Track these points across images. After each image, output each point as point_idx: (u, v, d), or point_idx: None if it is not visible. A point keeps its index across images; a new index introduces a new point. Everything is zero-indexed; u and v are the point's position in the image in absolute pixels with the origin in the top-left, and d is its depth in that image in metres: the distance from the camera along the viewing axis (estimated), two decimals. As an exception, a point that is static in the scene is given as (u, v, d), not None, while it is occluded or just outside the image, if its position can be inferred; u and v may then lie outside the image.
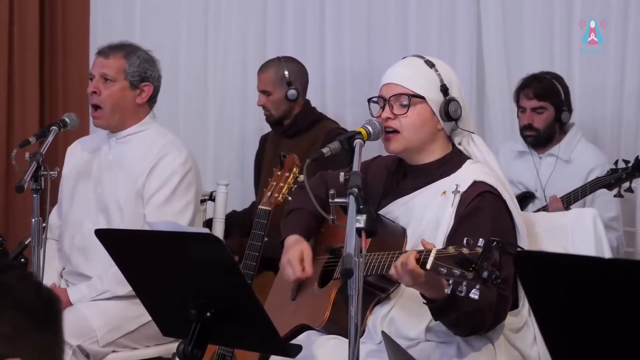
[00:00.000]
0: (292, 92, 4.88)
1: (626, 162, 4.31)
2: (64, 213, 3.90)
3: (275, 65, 4.95)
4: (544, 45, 5.19)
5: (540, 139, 4.72)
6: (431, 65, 2.99)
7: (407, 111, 2.95)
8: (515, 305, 2.93)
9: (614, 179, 4.32)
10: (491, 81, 5.26)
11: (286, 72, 4.90)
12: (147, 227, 3.61)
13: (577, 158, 4.69)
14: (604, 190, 4.42)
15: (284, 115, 4.92)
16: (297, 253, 3.07)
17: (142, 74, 3.80)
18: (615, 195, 4.38)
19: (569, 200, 4.42)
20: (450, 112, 2.96)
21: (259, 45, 5.64)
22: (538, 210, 4.47)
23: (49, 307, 1.46)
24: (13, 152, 3.53)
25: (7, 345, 1.39)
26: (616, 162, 4.35)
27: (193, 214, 3.79)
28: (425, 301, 2.72)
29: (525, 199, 4.68)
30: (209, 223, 4.27)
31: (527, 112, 4.70)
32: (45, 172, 3.39)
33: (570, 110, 4.73)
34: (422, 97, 2.96)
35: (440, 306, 2.68)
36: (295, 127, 4.93)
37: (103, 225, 3.70)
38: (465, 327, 2.77)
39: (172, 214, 3.71)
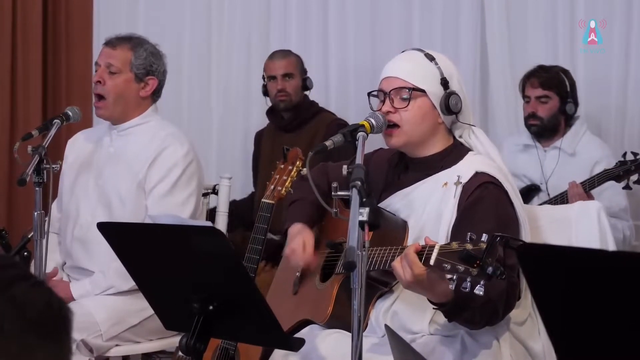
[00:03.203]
0: (310, 82, 4.99)
1: (635, 154, 4.30)
2: (65, 205, 3.90)
3: (293, 54, 5.07)
4: (547, 39, 5.20)
5: (544, 128, 4.70)
6: (431, 58, 2.98)
7: (408, 105, 2.94)
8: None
9: (622, 171, 4.31)
10: (495, 76, 5.27)
11: (303, 63, 5.01)
12: (149, 220, 3.61)
13: (582, 151, 4.68)
14: (611, 182, 4.41)
15: (297, 104, 4.96)
16: (299, 242, 3.07)
17: (148, 67, 3.80)
18: (623, 188, 4.37)
19: None
20: (450, 105, 2.95)
21: (262, 40, 5.65)
22: (552, 199, 4.47)
23: (58, 318, 1.44)
24: (16, 145, 3.52)
25: None
26: (624, 155, 4.33)
27: (195, 205, 3.79)
28: (435, 307, 2.71)
29: (530, 191, 4.67)
30: (212, 213, 4.26)
31: (532, 101, 4.70)
32: (48, 166, 3.38)
33: (575, 104, 4.71)
34: (423, 91, 2.94)
35: (451, 308, 2.66)
36: (297, 119, 4.95)
37: (102, 217, 3.70)
38: (480, 321, 2.76)
39: (174, 205, 3.71)
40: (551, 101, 4.68)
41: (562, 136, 4.73)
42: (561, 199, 4.41)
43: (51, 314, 1.42)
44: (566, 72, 4.73)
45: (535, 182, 4.73)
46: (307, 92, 5.06)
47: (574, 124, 4.74)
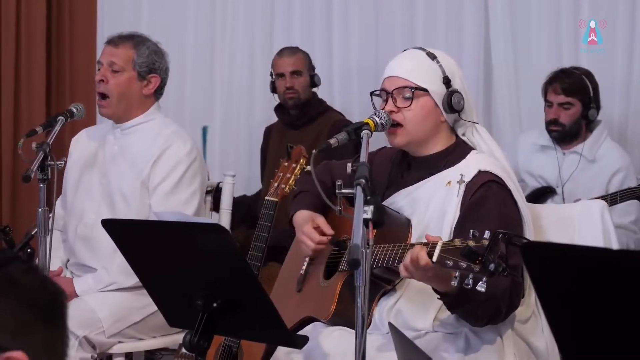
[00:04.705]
0: (318, 78, 4.97)
1: None
2: (69, 203, 3.90)
3: (301, 51, 5.05)
4: (551, 39, 5.19)
5: (565, 134, 4.65)
6: (433, 57, 2.99)
7: (411, 104, 2.94)
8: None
9: None
10: (498, 75, 5.27)
11: (311, 61, 5.02)
12: (153, 218, 3.61)
13: (602, 158, 4.63)
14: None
15: (306, 101, 4.95)
16: (310, 223, 3.08)
17: (150, 65, 3.81)
18: None
19: None
20: (453, 103, 2.95)
21: (266, 38, 5.65)
22: None
23: (53, 301, 1.45)
24: (20, 142, 3.53)
25: (9, 338, 1.38)
26: None
27: (199, 203, 3.79)
28: (438, 296, 2.71)
29: (544, 193, 4.64)
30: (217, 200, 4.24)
31: (554, 107, 4.63)
32: (52, 162, 3.39)
33: (598, 108, 4.65)
34: (425, 90, 2.95)
35: (454, 299, 2.67)
36: (305, 116, 4.94)
37: (106, 215, 3.69)
38: (482, 316, 2.76)
39: (178, 203, 3.71)
40: (573, 108, 4.61)
41: (584, 141, 4.68)
42: None
43: (47, 296, 1.44)
44: (589, 76, 4.65)
45: (550, 184, 4.70)
46: (315, 90, 5.05)
47: (595, 129, 4.67)
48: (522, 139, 4.88)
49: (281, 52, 5.06)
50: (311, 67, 5.03)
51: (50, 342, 1.43)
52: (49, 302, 1.44)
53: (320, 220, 3.09)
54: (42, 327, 1.42)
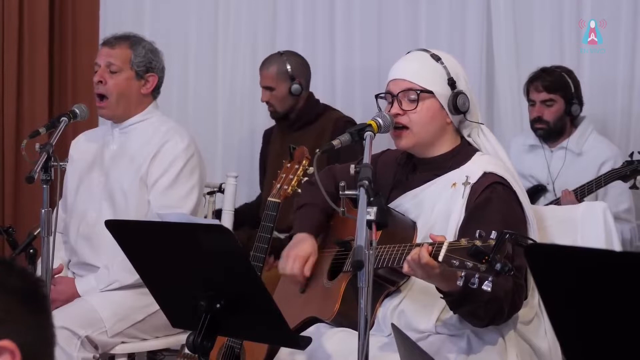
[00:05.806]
0: (296, 87, 4.85)
1: None
2: (69, 205, 3.91)
3: (277, 61, 4.92)
4: (553, 39, 5.20)
5: (550, 131, 4.71)
6: (437, 59, 2.99)
7: (417, 106, 2.95)
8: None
9: (629, 171, 4.31)
10: (501, 76, 5.27)
11: (288, 67, 4.88)
12: (154, 216, 3.62)
13: (589, 151, 4.68)
14: (616, 183, 4.41)
15: (289, 110, 4.90)
16: (305, 252, 3.09)
17: (148, 64, 3.84)
18: (630, 187, 4.37)
19: (582, 193, 4.40)
20: (458, 105, 2.96)
21: (268, 40, 5.65)
22: (550, 204, 4.45)
23: (36, 290, 1.48)
24: (23, 142, 3.54)
25: None
26: (631, 154, 4.34)
27: (198, 198, 3.82)
28: (441, 295, 2.72)
29: (537, 192, 4.67)
30: (218, 213, 4.26)
31: (537, 105, 4.69)
32: (55, 163, 3.39)
33: (580, 103, 4.71)
34: (431, 92, 2.95)
35: (457, 298, 2.67)
36: (300, 121, 4.92)
37: (107, 213, 3.72)
38: (484, 317, 2.76)
39: (177, 198, 3.73)
40: (556, 104, 4.68)
41: (569, 136, 4.73)
42: (556, 204, 4.39)
43: (29, 284, 1.47)
44: (570, 73, 4.73)
45: (542, 183, 4.73)
46: (312, 91, 5.01)
47: (580, 124, 4.74)
48: (513, 142, 4.92)
49: (261, 64, 4.97)
50: (290, 77, 4.86)
51: (38, 330, 1.46)
52: (32, 292, 1.46)
53: (310, 259, 3.10)
54: (29, 316, 1.44)
